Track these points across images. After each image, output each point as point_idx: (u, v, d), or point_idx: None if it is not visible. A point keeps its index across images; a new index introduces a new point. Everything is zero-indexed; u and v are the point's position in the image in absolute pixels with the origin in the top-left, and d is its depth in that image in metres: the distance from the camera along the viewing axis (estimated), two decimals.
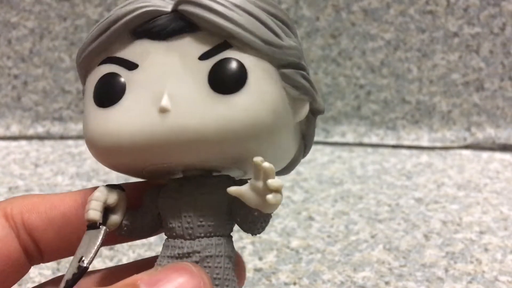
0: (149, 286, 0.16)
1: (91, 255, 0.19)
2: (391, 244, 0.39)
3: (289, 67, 0.20)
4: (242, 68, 0.18)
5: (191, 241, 0.19)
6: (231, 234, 0.20)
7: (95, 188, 0.20)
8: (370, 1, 0.60)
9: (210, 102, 0.18)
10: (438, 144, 0.61)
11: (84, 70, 0.20)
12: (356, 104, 0.62)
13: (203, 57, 0.19)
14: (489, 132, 0.61)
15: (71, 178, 0.52)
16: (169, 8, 0.19)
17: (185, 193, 0.20)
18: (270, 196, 0.18)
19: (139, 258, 0.36)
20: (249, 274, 0.35)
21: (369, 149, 0.60)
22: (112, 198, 0.20)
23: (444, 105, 0.62)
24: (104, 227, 0.19)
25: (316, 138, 0.70)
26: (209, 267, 0.19)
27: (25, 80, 0.64)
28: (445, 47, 0.61)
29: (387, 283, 0.34)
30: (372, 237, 0.40)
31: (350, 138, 0.62)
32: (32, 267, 0.21)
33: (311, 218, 0.43)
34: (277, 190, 0.18)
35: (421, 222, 0.42)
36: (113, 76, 0.19)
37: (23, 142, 0.63)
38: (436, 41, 0.61)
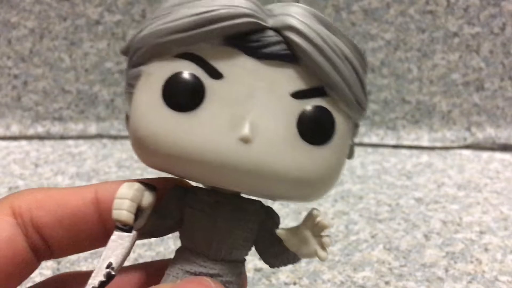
0: None
1: (120, 262, 0.17)
2: (391, 244, 0.39)
3: (358, 125, 0.20)
4: (332, 122, 0.18)
5: (215, 262, 0.19)
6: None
7: (107, 183, 0.20)
8: (370, 1, 0.60)
9: (294, 147, 0.17)
10: (438, 144, 0.61)
11: (153, 54, 0.18)
12: None
13: (297, 95, 0.17)
14: (489, 132, 0.61)
15: (71, 178, 0.52)
16: (269, 22, 0.17)
17: (221, 214, 0.19)
18: (323, 254, 0.18)
19: (139, 258, 0.36)
20: (249, 274, 0.35)
21: (369, 149, 0.60)
22: (147, 200, 0.18)
23: (444, 105, 0.62)
24: (135, 232, 0.18)
25: None
26: None
27: (25, 80, 0.64)
28: (445, 47, 0.61)
29: (387, 283, 0.34)
30: (372, 237, 0.40)
31: None
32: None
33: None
34: (326, 246, 0.18)
35: (421, 222, 0.42)
36: (193, 78, 0.17)
37: (23, 142, 0.63)
38: (436, 41, 0.61)
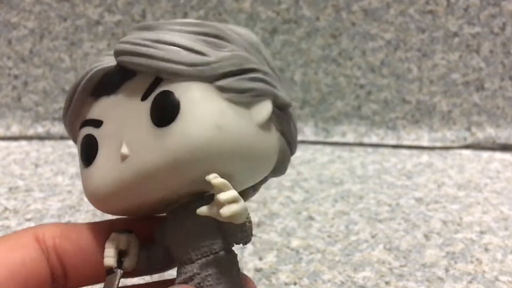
0: None
1: None
2: (391, 244, 0.39)
3: (225, 77, 0.20)
4: (172, 97, 0.19)
5: (192, 264, 0.20)
6: (231, 248, 0.21)
7: (117, 221, 0.23)
8: (370, 1, 0.60)
9: (155, 138, 0.19)
10: (438, 144, 0.61)
11: (72, 133, 0.23)
12: (356, 104, 0.62)
13: (144, 97, 0.20)
14: (489, 132, 0.61)
15: (71, 178, 0.52)
16: (112, 63, 0.21)
17: (178, 222, 0.21)
18: (222, 210, 0.18)
19: None
20: (249, 274, 0.35)
21: (369, 149, 0.60)
22: (122, 243, 0.21)
23: (444, 105, 0.62)
24: (118, 270, 0.20)
25: (316, 138, 0.69)
26: (211, 285, 0.20)
27: (25, 80, 0.64)
28: (445, 47, 0.61)
29: (387, 283, 0.34)
30: (373, 237, 0.40)
31: (350, 138, 0.62)
32: None
33: (311, 218, 0.43)
34: (230, 201, 0.18)
35: (422, 222, 0.42)
36: (88, 137, 0.21)
37: (23, 142, 0.63)
38: (436, 41, 0.61)
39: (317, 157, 0.57)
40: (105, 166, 0.20)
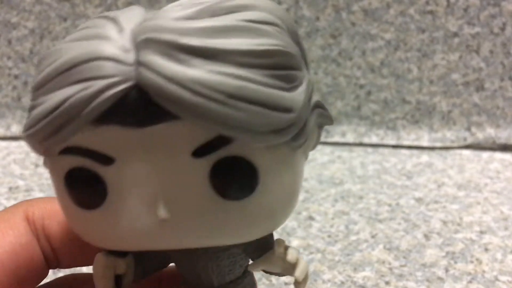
0: None
1: None
2: (391, 244, 0.39)
3: (303, 128, 0.16)
4: (251, 167, 0.15)
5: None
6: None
7: None
8: (370, 1, 0.60)
9: (217, 210, 0.15)
10: (438, 144, 0.61)
11: (37, 150, 0.16)
12: (356, 104, 0.62)
13: (198, 154, 0.14)
14: (489, 132, 0.61)
15: None
16: (133, 76, 0.13)
17: (199, 250, 0.17)
18: (298, 271, 0.17)
19: None
20: None
21: (369, 149, 0.60)
22: (120, 268, 0.17)
23: (444, 105, 0.62)
24: None
25: None
26: None
27: (26, 80, 0.64)
28: (445, 47, 0.61)
29: (387, 283, 0.34)
30: (372, 237, 0.40)
31: (350, 138, 0.62)
32: None
33: (311, 218, 0.43)
34: (306, 277, 0.17)
35: (421, 222, 0.42)
36: (86, 173, 0.15)
37: (23, 142, 0.62)
38: (436, 41, 0.61)
39: (317, 157, 0.57)
40: (132, 219, 0.15)
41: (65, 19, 0.62)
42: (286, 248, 0.18)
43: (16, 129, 0.64)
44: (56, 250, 0.20)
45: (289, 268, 0.17)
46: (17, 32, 0.63)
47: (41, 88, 0.15)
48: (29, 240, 0.19)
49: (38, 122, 0.14)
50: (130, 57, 0.14)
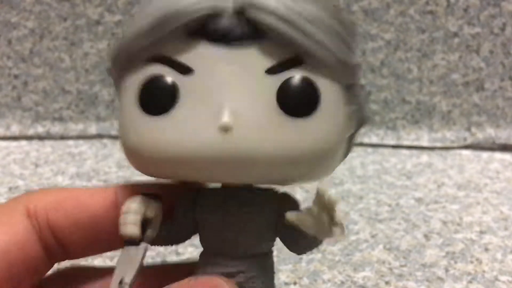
0: None
1: (132, 277, 0.17)
2: (391, 244, 0.39)
3: (353, 86, 0.18)
4: (315, 90, 0.16)
5: (237, 260, 0.18)
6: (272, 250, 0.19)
7: (127, 186, 0.19)
8: (370, 1, 0.60)
9: (279, 125, 0.16)
10: (438, 144, 0.61)
11: (122, 67, 0.18)
12: None
13: (272, 71, 0.16)
14: (489, 132, 0.61)
15: (71, 178, 0.52)
16: (230, 3, 0.16)
17: (229, 210, 0.18)
18: (338, 230, 0.16)
19: None
20: None
21: (369, 149, 0.60)
22: (151, 210, 0.18)
23: (444, 105, 0.62)
24: (145, 245, 0.17)
25: None
26: (254, 287, 0.18)
27: (25, 80, 0.64)
28: (445, 47, 0.61)
29: (387, 283, 0.34)
30: (372, 237, 0.40)
31: None
32: None
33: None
34: (342, 223, 0.16)
35: (421, 222, 0.42)
36: (164, 80, 0.17)
37: (23, 142, 0.63)
38: (436, 41, 0.61)
39: None
40: (191, 126, 0.16)
41: (65, 19, 0.62)
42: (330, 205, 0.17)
43: (16, 129, 0.64)
44: (63, 242, 0.19)
45: (326, 224, 0.17)
46: (17, 32, 0.63)
47: (147, 2, 0.17)
48: (26, 237, 0.19)
49: (138, 26, 0.17)
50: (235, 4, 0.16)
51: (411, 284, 0.34)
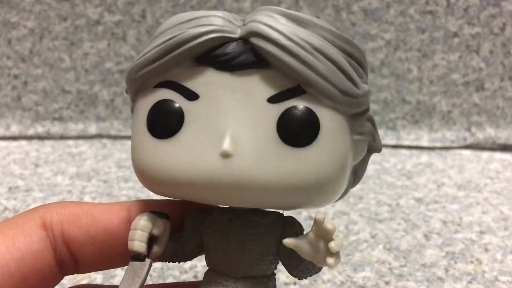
0: None
1: None
2: (391, 244, 0.39)
3: (359, 116, 0.18)
4: (315, 120, 0.17)
5: (236, 281, 0.18)
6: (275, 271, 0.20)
7: (140, 202, 0.20)
8: (370, 1, 0.60)
9: (278, 154, 0.17)
10: (438, 144, 0.61)
11: (136, 88, 0.19)
12: None
13: (273, 100, 0.17)
14: (489, 132, 0.61)
15: (71, 178, 0.52)
16: (237, 33, 0.17)
17: (234, 231, 0.19)
18: (331, 261, 0.16)
19: None
20: None
21: None
22: (158, 228, 0.18)
23: (444, 105, 0.62)
24: (149, 261, 0.18)
25: None
26: None
27: (25, 80, 0.64)
28: (445, 47, 0.61)
29: (387, 283, 0.34)
30: (372, 237, 0.40)
31: None
32: None
33: (311, 218, 0.43)
34: (337, 249, 0.16)
35: (421, 222, 0.42)
36: (171, 104, 0.18)
37: (23, 142, 0.63)
38: (436, 41, 0.61)
39: None
40: (193, 151, 0.17)
41: (65, 19, 0.62)
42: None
43: (16, 128, 0.64)
44: (76, 255, 0.20)
45: (322, 252, 0.17)
46: (17, 32, 0.63)
47: (160, 33, 0.18)
48: (41, 247, 0.19)
49: (149, 52, 0.18)
50: (239, 23, 0.18)
51: (411, 284, 0.34)
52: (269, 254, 0.19)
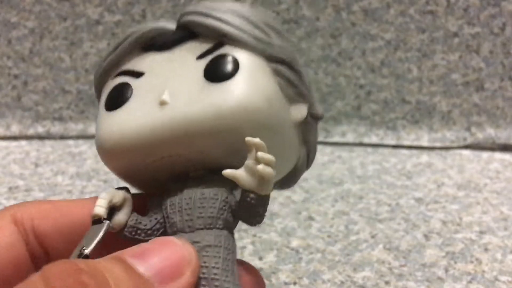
0: (134, 258, 0.16)
1: (92, 245, 0.19)
2: (391, 244, 0.39)
3: (281, 64, 0.21)
4: (233, 58, 0.20)
5: (191, 233, 0.19)
6: (233, 232, 0.20)
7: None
8: (370, 1, 0.60)
9: (205, 91, 0.19)
10: (438, 144, 0.61)
11: (100, 86, 0.22)
12: (356, 104, 0.63)
13: (201, 56, 0.20)
14: (489, 132, 0.61)
15: (71, 178, 0.52)
16: (171, 24, 0.21)
17: (186, 189, 0.20)
18: (260, 166, 0.18)
19: None
20: None
21: (369, 149, 0.60)
22: (118, 197, 0.20)
23: (444, 105, 0.62)
24: (107, 222, 0.19)
25: None
26: (208, 256, 0.19)
27: (25, 80, 0.64)
28: (445, 47, 0.61)
29: (387, 283, 0.34)
30: (372, 237, 0.40)
31: (350, 138, 0.62)
32: None
33: (311, 218, 0.43)
34: (268, 163, 0.18)
35: (421, 222, 0.42)
36: (122, 84, 0.21)
37: (23, 142, 0.63)
38: (436, 41, 0.61)
39: (317, 157, 0.57)
40: (137, 111, 0.20)
41: (65, 19, 0.62)
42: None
43: (16, 128, 0.64)
44: (48, 249, 0.20)
45: (254, 172, 0.19)
46: (17, 32, 0.63)
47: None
48: (15, 239, 0.20)
49: (106, 55, 0.22)
50: (174, 22, 0.22)
51: (411, 284, 0.34)
52: (220, 207, 0.20)
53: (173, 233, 0.20)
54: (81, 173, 0.53)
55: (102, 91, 0.22)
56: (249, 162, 0.19)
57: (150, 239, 0.20)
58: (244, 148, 0.19)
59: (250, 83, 0.20)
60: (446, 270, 0.35)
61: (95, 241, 0.19)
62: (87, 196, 0.47)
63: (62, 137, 0.64)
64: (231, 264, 0.19)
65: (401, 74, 0.62)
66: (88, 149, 0.60)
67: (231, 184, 0.20)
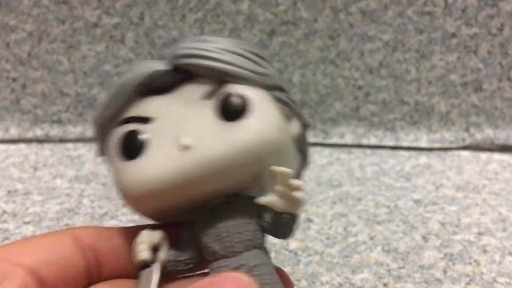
0: None
1: None
2: (389, 245, 0.39)
3: (277, 90, 0.22)
4: (242, 96, 0.21)
5: (235, 257, 0.21)
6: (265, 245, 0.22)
7: (143, 226, 0.23)
8: (368, 2, 0.60)
9: (225, 131, 0.20)
10: (437, 145, 0.61)
11: (102, 133, 0.23)
12: (355, 105, 0.63)
13: (205, 97, 0.21)
14: (488, 133, 0.61)
15: (70, 181, 0.52)
16: (164, 66, 0.22)
17: (218, 218, 0.21)
18: (296, 193, 0.20)
19: None
20: None
21: (368, 151, 0.60)
22: (156, 237, 0.21)
23: (443, 106, 0.62)
24: (156, 263, 0.20)
25: (314, 140, 0.69)
26: (258, 275, 0.20)
27: (24, 83, 0.64)
28: (443, 48, 0.61)
29: (385, 284, 0.34)
30: (371, 238, 0.40)
31: (348, 139, 0.62)
32: None
33: (309, 220, 0.43)
34: (299, 188, 0.20)
35: (420, 223, 0.42)
36: (133, 132, 0.21)
37: (22, 145, 0.63)
38: (434, 42, 0.61)
39: (316, 159, 0.57)
40: (159, 157, 0.20)
41: (63, 22, 0.62)
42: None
43: (14, 131, 0.64)
44: (102, 264, 0.22)
45: (288, 195, 0.20)
46: (15, 35, 0.63)
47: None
48: (76, 250, 0.21)
49: (106, 104, 0.22)
50: (166, 63, 0.22)
51: (409, 286, 0.34)
52: (253, 228, 0.21)
53: (215, 260, 0.21)
54: (80, 176, 0.53)
55: (108, 139, 0.22)
56: (279, 188, 0.20)
57: (189, 267, 0.22)
58: (261, 172, 0.21)
59: (263, 117, 0.21)
60: (445, 272, 0.35)
61: (154, 285, 0.20)
62: (85, 199, 0.47)
63: (61, 140, 0.64)
64: (275, 276, 0.21)
65: (400, 75, 0.62)
66: (87, 152, 0.60)
67: (256, 207, 0.21)
